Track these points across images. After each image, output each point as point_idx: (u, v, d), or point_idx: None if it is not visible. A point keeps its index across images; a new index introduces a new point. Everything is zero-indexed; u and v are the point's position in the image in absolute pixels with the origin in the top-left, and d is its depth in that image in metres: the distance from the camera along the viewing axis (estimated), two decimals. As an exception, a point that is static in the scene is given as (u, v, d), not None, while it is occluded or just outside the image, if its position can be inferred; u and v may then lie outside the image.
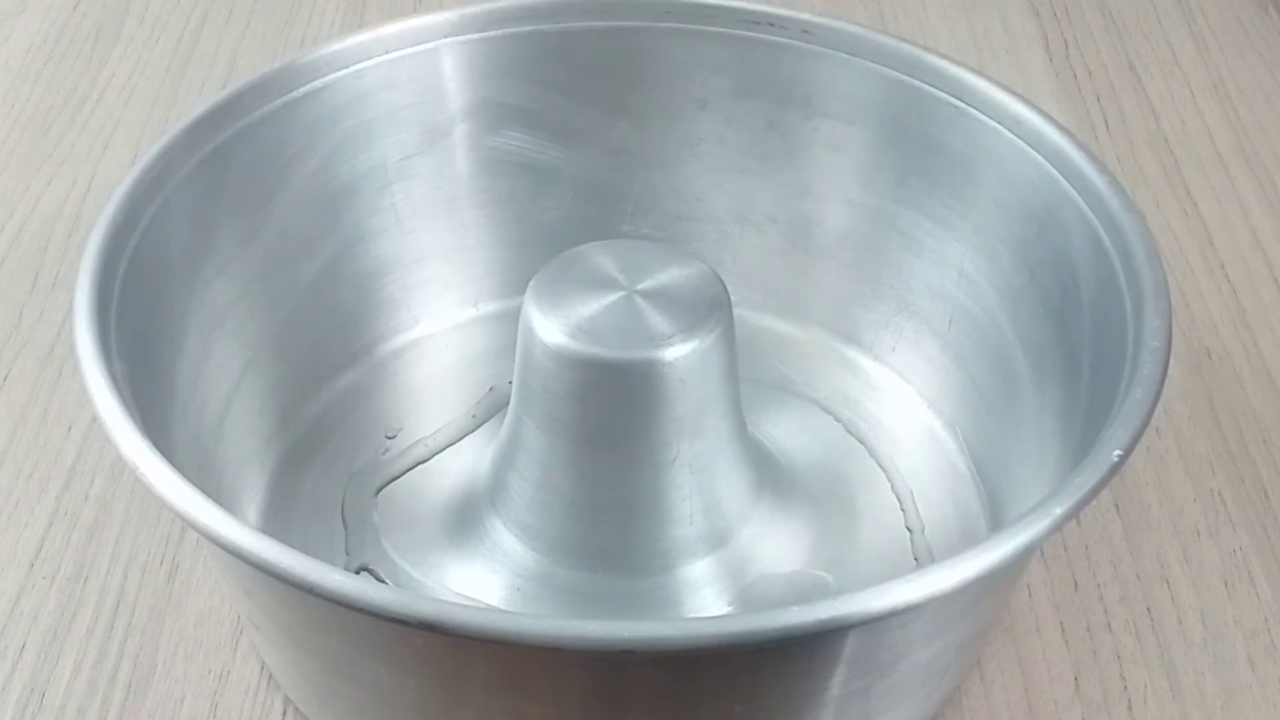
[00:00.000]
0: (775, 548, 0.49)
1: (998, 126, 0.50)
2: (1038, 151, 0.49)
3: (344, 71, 0.52)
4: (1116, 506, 0.54)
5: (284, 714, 0.47)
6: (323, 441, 0.54)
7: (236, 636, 0.49)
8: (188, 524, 0.37)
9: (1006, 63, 0.75)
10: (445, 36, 0.54)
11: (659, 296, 0.46)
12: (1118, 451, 0.38)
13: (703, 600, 0.47)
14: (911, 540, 0.51)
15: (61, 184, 0.67)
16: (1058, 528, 0.36)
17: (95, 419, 0.39)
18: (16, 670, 0.48)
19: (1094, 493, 0.37)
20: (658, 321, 0.45)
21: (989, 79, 0.51)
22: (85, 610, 0.50)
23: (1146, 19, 0.79)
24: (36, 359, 0.59)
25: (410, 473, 0.53)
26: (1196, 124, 0.72)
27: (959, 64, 0.52)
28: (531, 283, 0.46)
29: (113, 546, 0.52)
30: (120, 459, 0.38)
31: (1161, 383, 0.41)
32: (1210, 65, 0.76)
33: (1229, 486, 0.55)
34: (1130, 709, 0.48)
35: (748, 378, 0.49)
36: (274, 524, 0.50)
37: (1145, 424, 0.39)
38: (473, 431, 0.54)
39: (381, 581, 0.48)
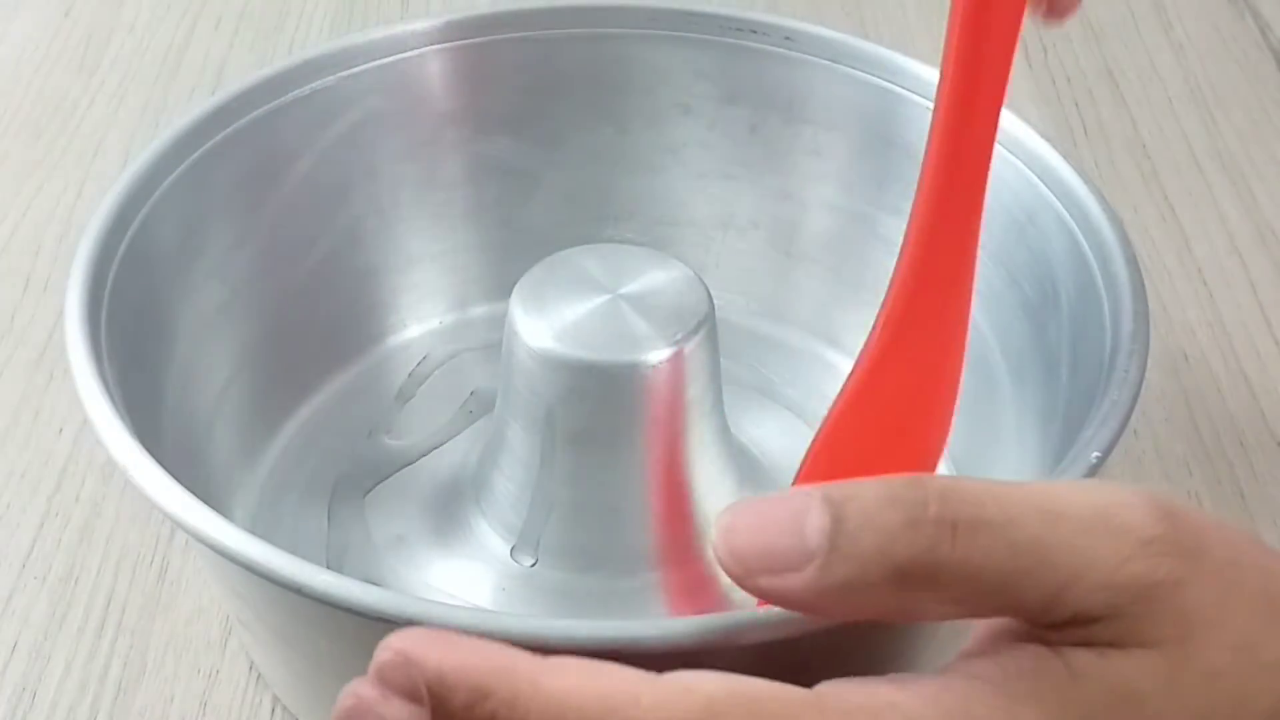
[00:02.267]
0: (758, 548, 0.49)
1: None
2: (1016, 157, 0.50)
3: (332, 78, 0.53)
4: (1094, 507, 0.54)
5: (272, 713, 0.47)
6: (312, 443, 0.54)
7: (226, 636, 0.49)
8: (177, 525, 0.37)
9: (988, 69, 0.76)
10: (432, 43, 0.54)
11: (643, 300, 0.46)
12: (1096, 453, 0.39)
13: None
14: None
15: (53, 189, 0.68)
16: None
17: (86, 421, 0.39)
18: (8, 669, 0.48)
19: None
20: (641, 325, 0.45)
21: None
22: (76, 610, 0.50)
23: (1124, 26, 0.80)
24: (28, 362, 0.59)
25: (397, 474, 0.53)
26: (1174, 130, 0.72)
27: (938, 70, 0.53)
28: (516, 286, 0.47)
29: (103, 547, 0.52)
30: (111, 461, 0.39)
31: (1139, 385, 0.41)
32: (1188, 72, 0.76)
33: (1206, 488, 0.55)
34: (1106, 706, 0.48)
35: (730, 380, 0.50)
36: (263, 525, 0.51)
37: (1124, 425, 0.40)
38: (459, 434, 0.54)
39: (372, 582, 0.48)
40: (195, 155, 0.49)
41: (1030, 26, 0.80)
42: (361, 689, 0.28)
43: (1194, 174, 0.69)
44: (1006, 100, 0.51)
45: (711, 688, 0.28)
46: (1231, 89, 0.75)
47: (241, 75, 0.53)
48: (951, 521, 0.28)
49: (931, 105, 0.52)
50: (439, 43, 0.54)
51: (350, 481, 0.53)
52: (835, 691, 0.29)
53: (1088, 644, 0.29)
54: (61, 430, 0.56)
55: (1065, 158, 0.49)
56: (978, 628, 0.31)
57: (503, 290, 0.48)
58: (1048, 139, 0.50)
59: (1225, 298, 0.63)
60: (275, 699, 0.48)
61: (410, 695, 0.28)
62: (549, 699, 0.28)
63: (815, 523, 0.29)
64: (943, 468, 0.53)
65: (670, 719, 0.27)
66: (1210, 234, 0.66)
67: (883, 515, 0.29)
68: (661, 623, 0.33)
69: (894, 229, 0.54)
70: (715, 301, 0.47)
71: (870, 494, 0.29)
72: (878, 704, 0.28)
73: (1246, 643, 0.29)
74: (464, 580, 0.48)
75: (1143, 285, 0.44)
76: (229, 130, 0.50)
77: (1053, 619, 0.29)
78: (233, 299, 0.51)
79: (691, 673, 0.28)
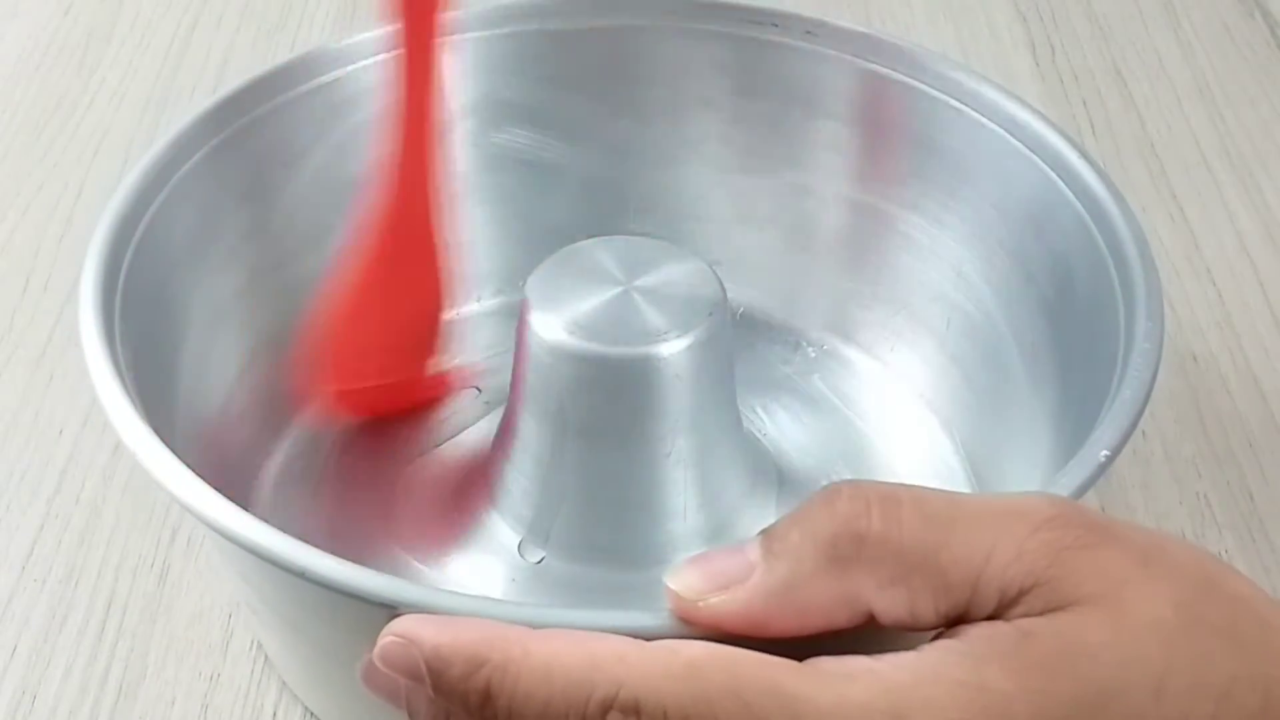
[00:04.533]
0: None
1: (996, 129, 0.51)
2: (1035, 154, 0.50)
3: (351, 67, 0.53)
4: (1103, 509, 0.54)
5: (274, 716, 0.47)
6: (326, 434, 0.54)
7: (227, 639, 0.49)
8: (184, 508, 0.37)
9: (993, 67, 0.76)
10: (449, 34, 0.54)
11: (656, 293, 0.46)
12: (1105, 451, 0.38)
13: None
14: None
15: (53, 188, 0.67)
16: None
17: (87, 421, 0.39)
18: (8, 672, 0.48)
19: (1080, 492, 0.38)
20: (654, 318, 0.45)
21: (989, 82, 0.52)
22: (76, 613, 0.50)
23: (1132, 24, 0.79)
24: (28, 363, 0.59)
25: (410, 465, 0.53)
26: (1182, 128, 0.72)
27: (959, 66, 0.52)
28: (530, 278, 0.47)
29: (103, 549, 0.52)
30: (118, 449, 0.38)
31: (1151, 384, 0.41)
32: (1196, 70, 0.76)
33: (1214, 489, 0.55)
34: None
35: (745, 375, 0.50)
36: (278, 514, 0.51)
37: (1134, 425, 0.40)
38: (471, 425, 0.54)
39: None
40: (214, 142, 0.49)
41: (1039, 26, 0.80)
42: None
43: (1203, 173, 0.69)
44: (1024, 96, 0.52)
45: (695, 650, 0.30)
46: (1240, 87, 0.75)
47: (243, 74, 0.52)
48: (865, 498, 0.31)
49: (951, 100, 0.52)
50: (456, 33, 0.54)
51: (360, 472, 0.52)
52: (814, 659, 0.30)
53: (1026, 616, 0.30)
54: (61, 431, 0.56)
55: (1083, 155, 0.49)
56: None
57: (517, 282, 0.48)
58: (1066, 136, 0.50)
59: (1234, 297, 0.63)
60: (276, 702, 0.47)
61: (410, 673, 0.31)
62: (538, 662, 0.30)
63: (752, 542, 0.32)
64: (957, 464, 0.53)
65: (653, 675, 0.29)
66: (1219, 233, 0.66)
67: (804, 511, 0.32)
68: (667, 614, 0.33)
69: (913, 225, 0.54)
70: (732, 296, 0.47)
71: (794, 511, 0.33)
72: (855, 669, 0.30)
73: (1186, 601, 0.30)
74: (475, 572, 0.48)
75: (1158, 284, 0.44)
76: (247, 118, 0.50)
77: (983, 603, 0.31)
78: (246, 289, 0.51)
79: (678, 640, 0.31)
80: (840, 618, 0.32)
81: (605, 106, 0.57)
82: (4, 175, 0.68)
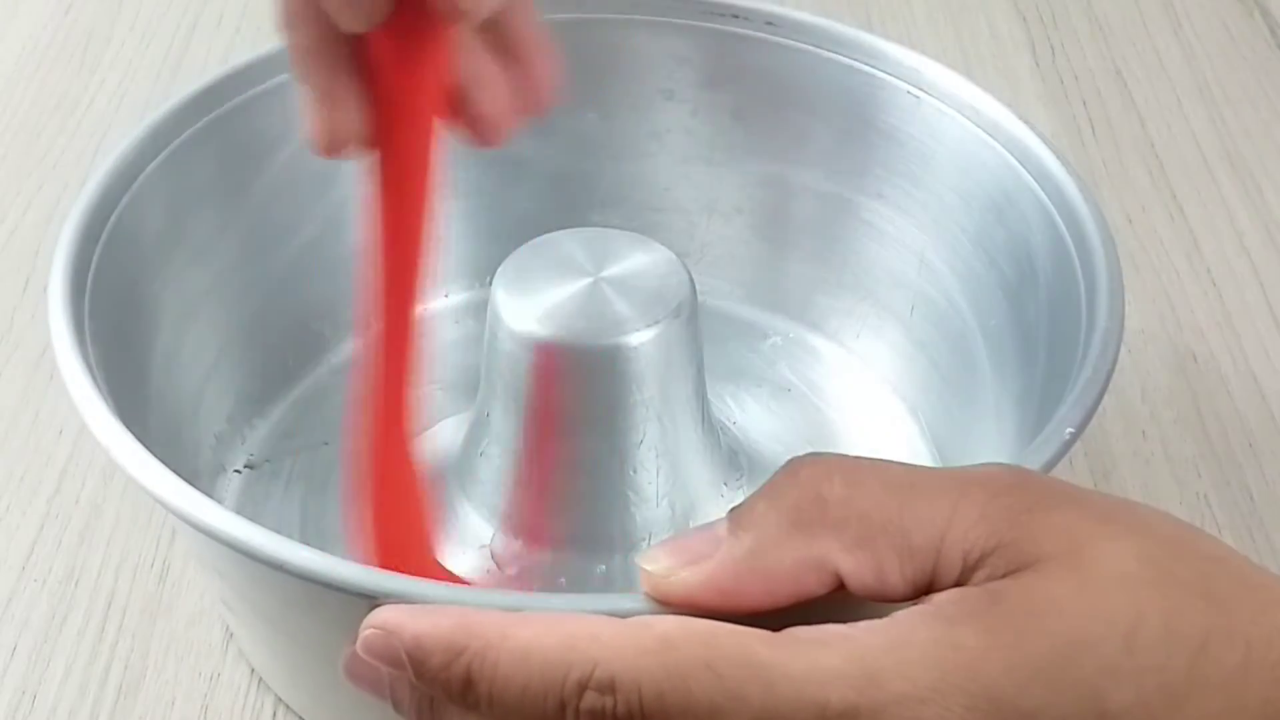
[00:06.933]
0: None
1: (957, 115, 0.51)
2: (995, 139, 0.50)
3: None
4: (1103, 509, 0.54)
5: (274, 716, 0.47)
6: (297, 427, 0.54)
7: (226, 640, 0.49)
8: (157, 501, 0.37)
9: (993, 68, 0.76)
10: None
11: (624, 283, 0.46)
12: (1070, 429, 0.39)
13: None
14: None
15: (53, 188, 0.67)
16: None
17: (77, 411, 0.39)
18: (8, 672, 0.48)
19: (1045, 471, 0.38)
20: (623, 308, 0.45)
21: (947, 68, 0.52)
22: (76, 613, 0.50)
23: (1133, 24, 0.79)
24: (28, 363, 0.59)
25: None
26: (1182, 129, 0.72)
27: (917, 54, 0.53)
28: (499, 269, 0.47)
29: (103, 550, 0.52)
30: (110, 461, 0.38)
31: (1113, 363, 0.41)
32: (1196, 70, 0.76)
33: (1215, 490, 0.55)
34: (1116, 710, 0.48)
35: (714, 365, 0.50)
36: (249, 508, 0.51)
37: (1097, 404, 0.40)
38: (443, 418, 0.54)
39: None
40: (179, 140, 0.49)
41: (1039, 26, 0.80)
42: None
43: (1202, 173, 0.69)
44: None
45: (668, 625, 0.31)
46: (1240, 88, 0.75)
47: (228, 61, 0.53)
48: (827, 466, 0.33)
49: (910, 88, 0.52)
50: None
51: (335, 465, 0.52)
52: (788, 630, 0.31)
53: (991, 579, 0.31)
54: (61, 432, 0.56)
55: (1042, 139, 0.49)
56: None
57: (485, 276, 0.49)
58: (1025, 121, 0.50)
59: (1234, 297, 0.63)
60: (276, 702, 0.47)
61: (392, 663, 0.31)
62: (515, 646, 0.31)
63: (721, 520, 0.33)
64: (923, 447, 0.54)
65: (627, 651, 0.30)
66: (1219, 233, 0.66)
67: (769, 484, 0.33)
68: (638, 597, 0.33)
69: (877, 213, 0.55)
70: (700, 286, 0.47)
71: (761, 487, 0.34)
72: (828, 635, 0.30)
73: (1153, 557, 0.31)
74: (449, 562, 0.48)
75: (1118, 265, 0.44)
76: (212, 116, 0.50)
77: (948, 567, 0.31)
78: (216, 284, 0.51)
79: (652, 615, 0.31)
80: (809, 583, 0.32)
81: (570, 99, 0.57)
82: (4, 175, 0.68)
